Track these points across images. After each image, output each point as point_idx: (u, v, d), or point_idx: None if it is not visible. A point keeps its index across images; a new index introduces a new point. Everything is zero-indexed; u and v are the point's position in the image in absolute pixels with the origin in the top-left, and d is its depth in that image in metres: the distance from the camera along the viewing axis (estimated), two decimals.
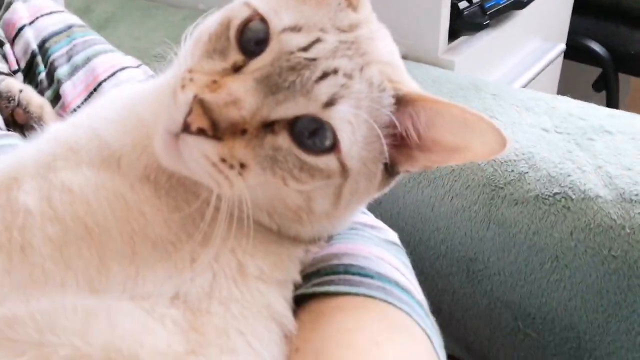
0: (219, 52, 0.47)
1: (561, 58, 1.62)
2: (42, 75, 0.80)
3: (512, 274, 0.85)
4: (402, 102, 0.48)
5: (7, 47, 0.78)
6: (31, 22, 0.81)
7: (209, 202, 0.47)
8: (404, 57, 0.54)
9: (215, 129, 0.42)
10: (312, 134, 0.45)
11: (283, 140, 0.45)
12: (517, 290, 0.85)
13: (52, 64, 0.80)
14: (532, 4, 1.31)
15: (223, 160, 0.44)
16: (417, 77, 1.06)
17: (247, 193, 0.45)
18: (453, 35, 1.20)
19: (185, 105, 0.43)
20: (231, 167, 0.44)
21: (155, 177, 0.49)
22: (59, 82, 0.79)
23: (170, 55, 0.57)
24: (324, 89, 0.44)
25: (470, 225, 0.87)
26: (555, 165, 0.83)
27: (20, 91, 0.75)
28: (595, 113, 0.93)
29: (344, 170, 0.47)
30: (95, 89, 0.80)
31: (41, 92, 0.79)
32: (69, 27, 0.84)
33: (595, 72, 1.98)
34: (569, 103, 0.98)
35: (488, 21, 1.19)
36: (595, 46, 1.90)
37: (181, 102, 0.43)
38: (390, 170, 0.51)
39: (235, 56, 0.46)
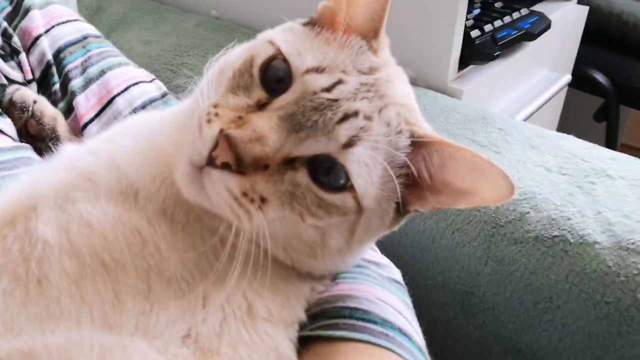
0: (242, 88, 0.49)
1: (566, 88, 1.63)
2: (57, 86, 0.80)
3: (506, 310, 0.86)
4: (417, 143, 0.50)
5: (22, 55, 0.78)
6: (47, 31, 0.81)
7: (225, 239, 0.48)
8: (413, 82, 0.57)
9: (240, 164, 0.44)
10: (326, 172, 0.47)
11: (302, 177, 0.47)
12: (510, 326, 0.86)
13: (66, 75, 0.80)
14: (542, 36, 1.32)
15: (245, 194, 0.45)
16: (425, 105, 1.09)
17: (265, 227, 0.47)
18: (462, 63, 1.20)
19: (211, 140, 0.44)
20: (252, 201, 0.46)
21: (172, 212, 0.50)
22: (73, 94, 0.79)
23: (190, 85, 0.58)
24: (345, 131, 0.46)
25: (469, 259, 0.88)
26: (556, 207, 0.84)
27: (35, 102, 0.75)
28: (598, 155, 0.94)
29: (359, 208, 0.49)
30: (108, 103, 0.80)
31: (55, 103, 0.80)
32: (85, 37, 0.84)
33: (597, 101, 1.99)
34: (573, 143, 0.99)
35: (499, 52, 1.20)
36: (600, 77, 1.91)
37: (207, 136, 0.45)
38: (401, 209, 0.52)
39: (259, 93, 0.49)
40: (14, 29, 0.79)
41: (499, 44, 1.22)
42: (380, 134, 0.48)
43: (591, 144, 0.99)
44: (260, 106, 0.48)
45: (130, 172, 0.52)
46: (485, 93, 1.24)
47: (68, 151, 0.57)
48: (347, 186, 0.48)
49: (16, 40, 0.78)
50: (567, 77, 1.57)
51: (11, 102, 0.74)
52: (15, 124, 0.74)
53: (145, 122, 0.58)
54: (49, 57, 0.79)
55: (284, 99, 0.47)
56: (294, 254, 0.53)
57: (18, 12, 0.81)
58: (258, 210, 0.46)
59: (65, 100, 0.80)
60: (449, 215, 0.90)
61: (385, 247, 0.94)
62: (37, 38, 0.79)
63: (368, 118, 0.48)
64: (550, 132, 1.03)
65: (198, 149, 0.45)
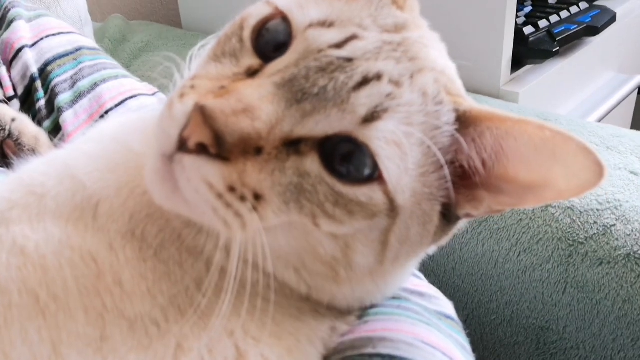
0: (229, 55, 0.37)
1: (636, 92, 1.46)
2: (42, 103, 0.71)
3: (595, 349, 0.70)
4: (462, 121, 0.37)
5: (2, 70, 0.70)
6: (34, 44, 0.73)
7: (212, 263, 0.36)
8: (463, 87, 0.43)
9: (220, 145, 0.32)
10: (345, 159, 0.34)
11: (312, 164, 0.34)
12: None
13: (53, 89, 0.70)
14: (606, 31, 1.16)
15: (231, 189, 0.33)
16: None
17: (264, 237, 0.34)
18: (517, 64, 1.06)
19: (182, 117, 0.32)
20: (242, 199, 0.33)
21: (142, 231, 0.39)
22: (60, 111, 0.70)
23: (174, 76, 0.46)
24: (364, 99, 0.34)
25: (541, 287, 0.73)
26: None
27: (13, 120, 0.66)
28: None
29: (392, 207, 0.36)
30: (99, 119, 0.70)
31: (39, 122, 0.70)
32: (78, 49, 0.75)
33: None
34: None
35: (557, 48, 1.05)
36: None
37: (178, 113, 0.33)
38: (447, 214, 0.39)
39: (251, 60, 0.37)
40: None
41: (557, 39, 1.07)
42: (413, 105, 0.35)
43: None
44: (251, 74, 0.36)
45: (89, 182, 0.40)
46: (545, 96, 1.10)
47: (25, 164, 0.46)
48: (374, 177, 0.35)
49: None
50: (638, 79, 1.39)
51: None
52: None
53: (119, 123, 0.47)
54: (33, 70, 0.70)
55: (281, 62, 0.35)
56: (308, 277, 0.39)
57: (2, 24, 0.73)
58: (252, 212, 0.33)
59: (51, 118, 0.70)
60: (512, 233, 0.74)
61: (435, 275, 0.80)
62: (20, 50, 0.71)
63: (395, 83, 0.35)
64: (627, 130, 0.88)
65: (167, 131, 0.33)
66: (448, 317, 0.52)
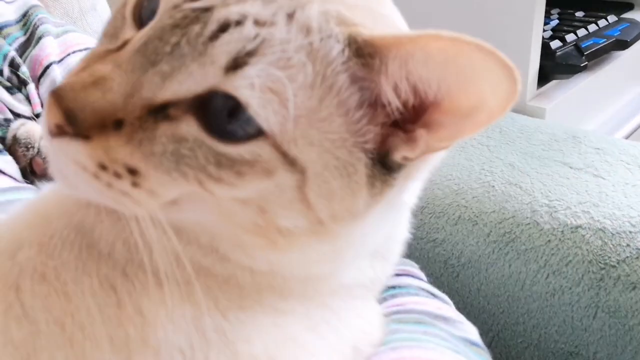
0: (110, 35, 0.36)
1: None
2: None
3: None
4: (364, 54, 0.34)
5: (31, 87, 0.70)
6: (61, 59, 0.73)
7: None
8: None
9: (73, 123, 0.31)
10: (230, 117, 0.32)
11: (188, 127, 0.32)
12: None
13: None
14: (635, 45, 1.14)
15: (102, 167, 0.32)
16: (501, 127, 0.92)
17: (181, 204, 0.34)
18: (543, 78, 1.04)
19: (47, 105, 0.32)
20: (117, 175, 0.32)
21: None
22: None
23: None
24: (223, 47, 0.32)
25: (571, 310, 0.70)
26: None
27: (42, 138, 0.66)
28: None
29: (288, 161, 0.33)
30: None
31: None
32: None
33: None
34: None
35: (586, 63, 1.03)
36: None
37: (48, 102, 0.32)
38: (383, 162, 0.36)
39: (130, 33, 0.35)
40: (25, 59, 0.71)
41: (585, 54, 1.05)
42: (291, 42, 0.32)
43: None
44: (121, 49, 0.34)
45: (81, 205, 0.39)
46: (572, 111, 1.08)
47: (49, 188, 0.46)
48: (261, 132, 0.32)
49: (25, 71, 0.70)
50: None
51: (15, 138, 0.66)
52: (19, 163, 0.65)
53: None
54: None
55: (145, 30, 0.34)
56: (250, 249, 0.37)
57: (31, 41, 0.73)
58: (136, 187, 0.32)
59: None
60: (541, 254, 0.72)
61: (460, 295, 0.79)
62: (48, 67, 0.71)
63: (263, 24, 0.32)
64: None
65: (43, 119, 0.33)
66: (474, 343, 0.50)
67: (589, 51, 1.06)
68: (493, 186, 0.80)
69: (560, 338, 0.71)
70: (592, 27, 1.14)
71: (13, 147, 0.66)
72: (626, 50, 1.14)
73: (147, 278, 0.36)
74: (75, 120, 0.31)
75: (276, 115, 0.32)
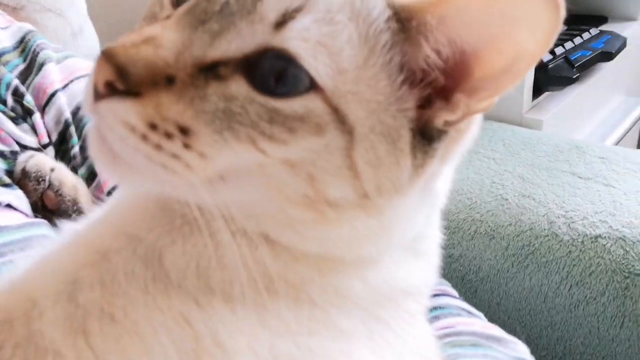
0: (149, 18, 0.36)
1: None
2: (76, 149, 0.68)
3: None
4: (404, 19, 0.34)
5: (36, 116, 0.67)
6: (64, 86, 0.70)
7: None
8: (486, 116, 0.40)
9: (125, 78, 0.30)
10: (279, 79, 0.32)
11: (238, 86, 0.32)
12: None
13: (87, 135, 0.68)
14: (618, 55, 1.17)
15: (152, 126, 0.31)
16: (504, 139, 0.93)
17: (229, 182, 0.33)
18: (536, 91, 1.07)
19: (94, 69, 0.31)
20: (168, 135, 0.31)
21: (217, 280, 0.35)
22: None
23: None
24: (272, 3, 0.32)
25: (596, 321, 0.71)
26: None
27: (52, 170, 0.63)
28: None
29: (339, 117, 0.33)
30: None
31: (74, 169, 0.67)
32: None
33: None
34: None
35: (577, 74, 1.05)
36: None
37: (92, 72, 0.31)
38: (425, 132, 0.36)
39: (167, 12, 0.35)
40: (28, 87, 0.68)
41: (576, 66, 1.08)
42: (332, 3, 0.33)
43: None
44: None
45: (143, 232, 0.37)
46: (568, 121, 1.10)
47: (69, 226, 0.43)
48: (311, 87, 0.32)
49: (29, 100, 0.67)
50: None
51: (24, 172, 0.63)
52: (29, 197, 0.62)
53: None
54: (67, 115, 0.68)
55: (190, 1, 0.34)
56: (305, 230, 0.36)
57: (32, 68, 0.71)
58: (187, 149, 0.31)
59: (86, 164, 0.68)
60: (562, 265, 0.73)
61: (480, 310, 0.78)
62: (53, 95, 0.68)
63: None
64: None
65: (86, 90, 0.32)
66: None
67: (578, 63, 1.08)
68: (506, 199, 0.80)
69: (587, 350, 0.72)
70: (577, 40, 1.17)
71: (22, 181, 0.63)
72: (611, 61, 1.17)
73: (221, 304, 0.34)
74: (127, 75, 0.30)
75: (326, 68, 0.32)
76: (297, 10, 0.32)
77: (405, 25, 0.34)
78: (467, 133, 0.38)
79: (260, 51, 0.31)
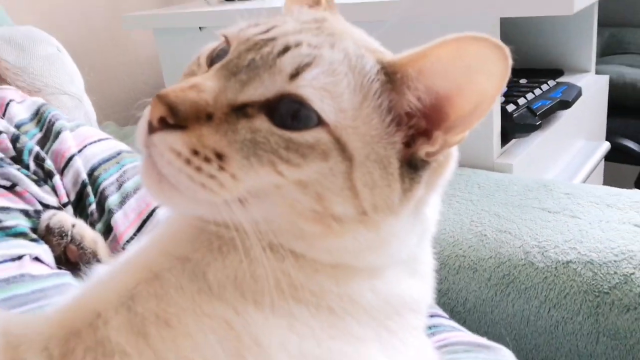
0: (189, 74, 0.45)
1: (603, 160, 1.58)
2: (93, 207, 0.74)
3: None
4: (390, 73, 0.42)
5: (56, 178, 0.73)
6: (79, 151, 0.77)
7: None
8: (461, 164, 0.48)
9: (175, 114, 0.38)
10: (293, 117, 0.40)
11: (261, 122, 0.40)
12: None
13: (102, 193, 0.74)
14: (575, 104, 1.28)
15: (195, 152, 0.38)
16: (479, 183, 1.01)
17: (253, 201, 0.40)
18: (504, 138, 1.16)
19: (147, 111, 0.39)
20: (207, 159, 0.38)
21: (252, 291, 0.41)
22: (110, 212, 0.73)
23: None
24: (288, 59, 0.40)
25: (575, 339, 0.77)
26: None
27: (73, 226, 0.69)
28: None
29: (341, 146, 0.40)
30: (148, 217, 0.74)
31: (92, 225, 0.73)
32: (118, 153, 0.80)
33: (632, 171, 1.94)
34: None
35: (540, 122, 1.15)
36: (632, 145, 1.87)
37: (145, 112, 0.40)
38: (412, 164, 0.43)
39: (204, 71, 0.44)
40: (47, 153, 0.75)
41: (538, 114, 1.18)
42: (335, 59, 0.41)
43: None
44: None
45: (186, 251, 0.43)
46: (535, 164, 1.19)
47: (102, 269, 0.50)
48: (318, 123, 0.40)
49: (49, 164, 0.73)
50: (606, 145, 1.52)
51: (48, 228, 0.68)
52: (53, 251, 0.68)
53: None
54: (84, 176, 0.75)
55: (223, 60, 0.42)
56: (311, 238, 0.42)
57: (49, 136, 0.78)
58: (222, 171, 0.39)
59: (102, 220, 0.74)
60: (540, 290, 0.80)
61: None
62: (71, 158, 0.75)
63: (315, 47, 0.41)
64: (620, 189, 0.96)
65: (140, 127, 0.40)
66: None
67: (540, 111, 1.18)
68: (485, 235, 0.88)
69: None
70: (537, 91, 1.27)
71: (47, 237, 0.68)
72: (569, 109, 1.28)
73: (255, 311, 0.40)
74: (177, 112, 0.38)
75: (330, 108, 0.40)
76: (308, 65, 0.40)
77: (391, 77, 0.42)
78: (446, 166, 0.46)
79: (279, 96, 0.40)
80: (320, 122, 0.40)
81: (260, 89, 0.40)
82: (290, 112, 0.40)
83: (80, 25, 1.80)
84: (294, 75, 0.40)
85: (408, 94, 0.42)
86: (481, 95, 0.40)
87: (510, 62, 0.38)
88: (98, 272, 0.50)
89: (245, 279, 0.41)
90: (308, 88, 0.39)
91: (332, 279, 0.42)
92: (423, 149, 0.43)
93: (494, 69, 0.39)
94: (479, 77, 0.40)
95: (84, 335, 0.39)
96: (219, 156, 0.39)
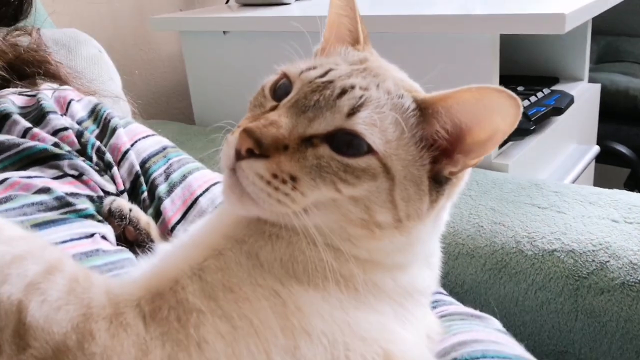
0: (258, 105, 0.56)
1: (594, 162, 1.69)
2: (145, 194, 0.83)
3: None
4: (422, 108, 0.53)
5: (114, 169, 0.82)
6: (132, 145, 0.86)
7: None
8: None
9: (260, 146, 0.48)
10: (348, 145, 0.50)
11: (323, 150, 0.50)
12: None
13: (152, 182, 0.84)
14: (567, 111, 1.39)
15: (274, 175, 0.48)
16: (477, 180, 1.13)
17: (312, 209, 0.49)
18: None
19: (234, 140, 0.50)
20: (283, 181, 0.48)
21: (293, 269, 0.51)
22: (160, 200, 0.83)
23: None
24: (345, 102, 0.50)
25: (557, 317, 0.88)
26: (634, 252, 0.86)
27: (130, 210, 0.78)
28: None
29: (386, 170, 0.50)
30: (192, 204, 0.84)
31: (144, 210, 0.83)
32: (164, 148, 0.89)
33: (622, 172, 2.05)
34: (628, 196, 1.02)
35: (534, 127, 1.26)
36: (623, 148, 1.98)
37: (231, 140, 0.50)
38: (436, 179, 0.53)
39: (271, 103, 0.55)
40: (105, 146, 0.85)
41: (532, 119, 1.29)
42: (381, 99, 0.51)
43: None
44: (273, 109, 0.53)
45: (243, 235, 0.53)
46: (529, 165, 1.30)
47: (164, 247, 0.61)
48: (369, 151, 0.50)
49: (108, 156, 0.83)
50: (596, 148, 1.63)
51: (110, 212, 0.77)
52: (114, 232, 0.77)
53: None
54: (137, 168, 0.84)
55: (289, 97, 0.53)
56: (359, 242, 0.52)
57: (106, 132, 0.86)
58: (294, 190, 0.49)
59: (153, 206, 0.83)
60: (528, 275, 0.91)
61: None
62: (126, 152, 0.84)
63: (365, 89, 0.51)
64: (602, 189, 1.07)
65: (227, 154, 0.50)
66: (501, 331, 0.68)
67: (534, 117, 1.29)
68: (482, 226, 0.99)
69: (551, 341, 0.88)
70: (533, 98, 1.39)
71: (109, 219, 0.77)
72: (561, 115, 1.39)
73: (297, 286, 0.50)
74: (261, 145, 0.48)
75: (378, 140, 0.50)
76: (361, 106, 0.50)
77: (424, 112, 0.53)
78: (462, 180, 0.57)
79: (338, 130, 0.50)
80: (369, 150, 0.50)
81: (324, 125, 0.50)
82: (346, 142, 0.50)
83: (107, 27, 1.90)
84: (350, 114, 0.50)
85: (437, 126, 0.52)
86: (495, 130, 0.50)
87: (521, 108, 0.47)
88: (162, 249, 0.61)
89: (290, 261, 0.51)
90: (361, 125, 0.50)
91: (360, 268, 0.52)
92: (447, 169, 0.53)
93: (507, 112, 0.48)
94: (496, 116, 0.49)
95: (166, 296, 0.48)
96: (293, 178, 0.49)
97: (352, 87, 0.51)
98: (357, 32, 0.61)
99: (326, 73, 0.53)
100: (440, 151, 0.53)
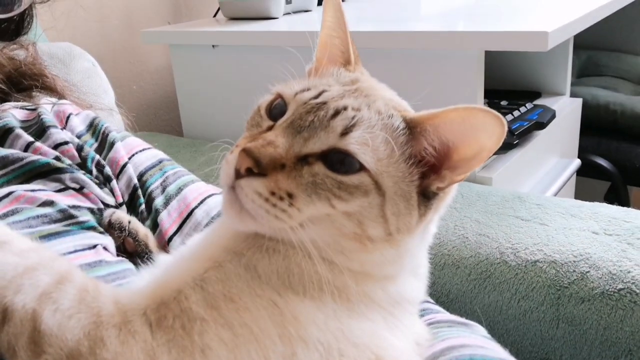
0: (255, 125, 0.58)
1: (574, 175, 1.74)
2: (142, 207, 0.85)
3: None
4: (412, 127, 0.55)
5: (113, 182, 0.84)
6: (129, 159, 0.88)
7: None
8: None
9: (259, 165, 0.50)
10: (341, 163, 0.52)
11: (318, 168, 0.52)
12: None
13: (149, 195, 0.86)
14: (549, 125, 1.44)
15: (272, 193, 0.51)
16: (462, 193, 1.17)
17: (307, 225, 0.52)
18: None
19: (234, 159, 0.52)
20: (281, 198, 0.51)
21: (289, 281, 0.53)
22: (157, 212, 0.85)
23: None
24: (338, 122, 0.52)
25: (539, 325, 0.90)
26: (613, 263, 0.89)
27: (129, 222, 0.80)
28: (637, 215, 1.01)
29: (378, 186, 0.52)
30: (188, 216, 0.86)
31: (142, 222, 0.84)
32: (160, 161, 0.91)
33: (602, 185, 2.10)
34: (608, 208, 1.06)
35: (517, 141, 1.30)
36: (603, 162, 2.04)
37: (231, 159, 0.53)
38: (425, 194, 0.56)
39: (267, 123, 0.57)
40: (104, 160, 0.87)
41: (515, 134, 1.33)
42: (372, 119, 0.53)
43: (625, 208, 1.06)
44: (269, 129, 0.56)
45: (241, 248, 0.56)
46: (512, 178, 1.33)
47: (164, 258, 0.63)
48: (361, 168, 0.52)
49: (108, 170, 0.84)
50: (577, 162, 1.68)
51: (110, 223, 0.79)
52: (114, 243, 0.79)
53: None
54: (135, 181, 0.86)
55: (285, 118, 0.55)
56: (350, 254, 0.54)
57: (104, 146, 0.88)
58: (291, 206, 0.51)
59: (150, 218, 0.85)
60: (512, 284, 0.94)
61: None
62: (124, 166, 0.86)
63: (357, 109, 0.54)
64: (583, 202, 1.10)
65: (227, 172, 0.52)
66: (487, 337, 0.71)
67: (518, 132, 1.33)
68: (467, 237, 1.03)
69: (534, 349, 0.91)
70: (516, 113, 1.43)
71: (109, 231, 0.79)
72: (543, 129, 1.44)
73: (293, 296, 0.52)
74: (260, 164, 0.50)
75: (370, 158, 0.52)
76: (353, 126, 0.53)
77: (412, 130, 0.55)
78: (449, 195, 0.59)
79: (332, 149, 0.53)
80: (362, 168, 0.52)
81: (318, 144, 0.53)
82: (339, 160, 0.52)
83: (97, 40, 1.92)
84: (343, 133, 0.52)
85: (425, 143, 0.54)
86: (481, 148, 0.52)
87: (506, 127, 0.49)
88: (163, 260, 0.64)
89: (286, 273, 0.53)
90: (354, 145, 0.52)
91: (352, 279, 0.54)
92: (435, 184, 0.56)
93: (493, 131, 0.50)
94: (481, 135, 0.51)
95: (171, 306, 0.49)
96: (289, 195, 0.51)
97: (345, 108, 0.54)
98: (349, 53, 0.64)
99: (320, 94, 0.56)
100: (428, 167, 0.55)
